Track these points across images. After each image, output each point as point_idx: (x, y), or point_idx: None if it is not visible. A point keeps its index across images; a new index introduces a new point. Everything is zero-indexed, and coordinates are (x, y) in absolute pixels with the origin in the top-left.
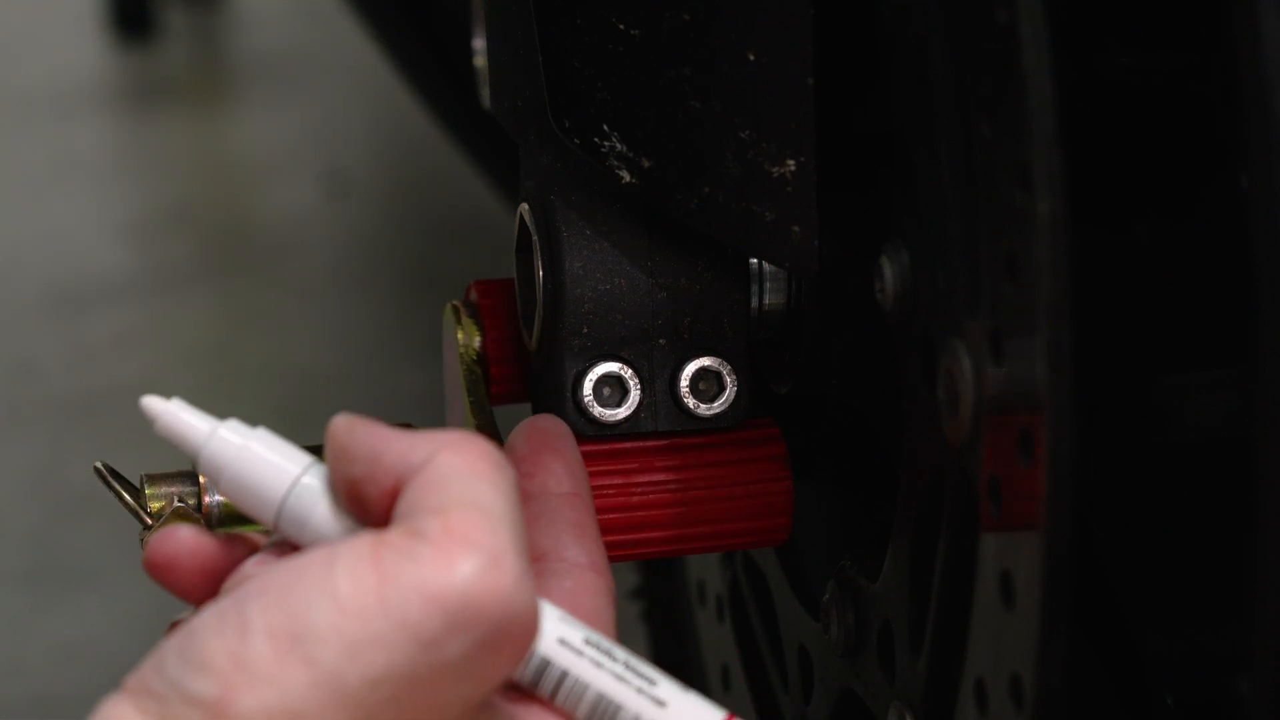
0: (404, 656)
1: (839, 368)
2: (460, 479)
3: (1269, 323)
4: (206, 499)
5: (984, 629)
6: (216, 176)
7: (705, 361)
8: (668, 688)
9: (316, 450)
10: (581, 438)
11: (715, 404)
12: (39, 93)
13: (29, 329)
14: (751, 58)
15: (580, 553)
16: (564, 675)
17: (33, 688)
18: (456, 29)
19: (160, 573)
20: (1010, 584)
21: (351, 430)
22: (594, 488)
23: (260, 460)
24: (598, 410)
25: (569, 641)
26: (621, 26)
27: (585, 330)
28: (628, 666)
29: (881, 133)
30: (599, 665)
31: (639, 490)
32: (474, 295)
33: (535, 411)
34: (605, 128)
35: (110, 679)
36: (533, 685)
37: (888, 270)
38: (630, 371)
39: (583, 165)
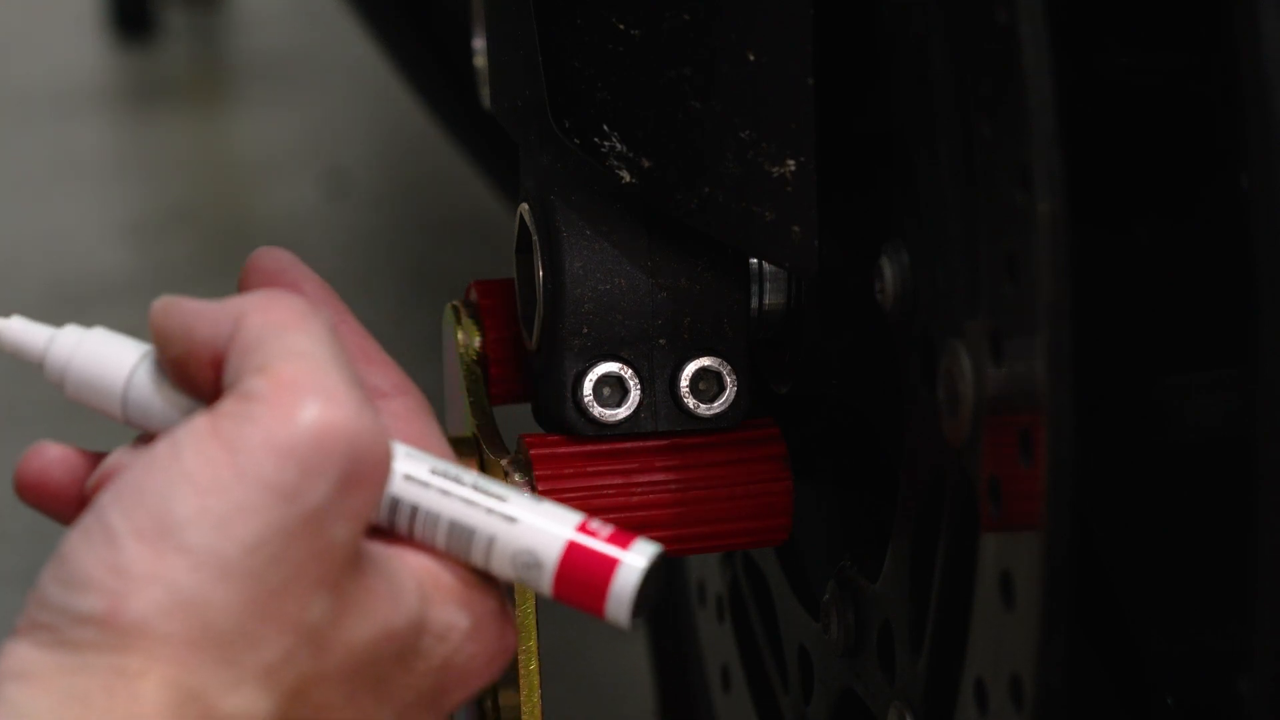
0: (272, 515)
1: (839, 368)
2: (272, 335)
3: (1269, 323)
4: None
5: (984, 629)
6: (216, 176)
7: (705, 361)
8: (519, 503)
9: None
10: (581, 437)
11: (715, 404)
12: (39, 93)
13: None
14: (751, 58)
15: (380, 380)
16: (415, 510)
17: None
18: (456, 29)
19: (32, 493)
20: (1010, 584)
21: (166, 311)
22: (594, 488)
23: (97, 356)
24: (598, 410)
25: (414, 475)
26: (621, 26)
27: (585, 330)
28: (476, 488)
29: (881, 133)
30: (447, 493)
31: (639, 490)
32: (474, 295)
33: (535, 412)
34: (605, 128)
35: None
36: (391, 525)
37: (888, 270)
38: (630, 371)
39: (583, 165)
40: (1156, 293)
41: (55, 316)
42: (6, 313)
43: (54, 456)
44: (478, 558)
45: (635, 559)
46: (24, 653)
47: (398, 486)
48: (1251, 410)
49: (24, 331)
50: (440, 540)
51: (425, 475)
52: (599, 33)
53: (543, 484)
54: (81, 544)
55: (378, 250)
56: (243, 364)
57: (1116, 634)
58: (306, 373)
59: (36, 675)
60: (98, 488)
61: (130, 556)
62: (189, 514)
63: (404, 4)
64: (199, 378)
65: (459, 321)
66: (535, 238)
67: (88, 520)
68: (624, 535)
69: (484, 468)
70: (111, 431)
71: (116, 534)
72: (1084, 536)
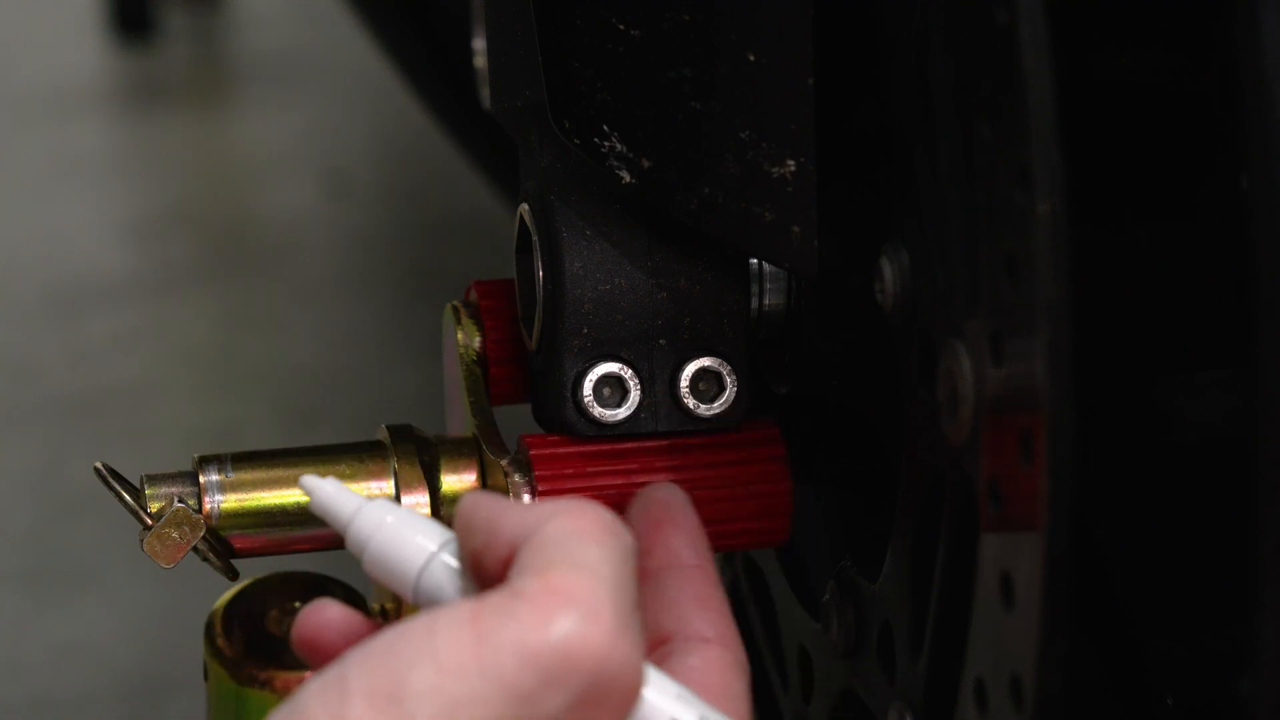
0: (501, 713)
1: (839, 368)
2: (567, 542)
3: (1269, 323)
4: (206, 501)
5: (984, 629)
6: (216, 176)
7: (705, 362)
8: None
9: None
10: (581, 438)
11: (715, 404)
12: (39, 93)
13: (29, 329)
14: (751, 58)
15: (705, 626)
16: None
17: (32, 688)
18: (456, 29)
19: (307, 649)
20: (1010, 584)
21: (475, 504)
22: (594, 488)
23: (399, 536)
24: (598, 410)
25: None
26: (621, 26)
27: (585, 330)
28: None
29: (881, 133)
30: None
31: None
32: (474, 295)
33: (535, 412)
34: (605, 128)
35: (109, 680)
36: None
37: (887, 270)
38: (630, 372)
39: (583, 165)
40: (1156, 293)
41: (55, 316)
42: (7, 314)
43: (333, 616)
44: None
45: None
46: None
47: None
48: (1251, 410)
49: (335, 497)
50: None
51: None
52: (599, 33)
53: (543, 484)
54: (316, 691)
55: (378, 250)
56: (528, 562)
57: (1116, 634)
58: (578, 585)
59: None
60: None
61: (354, 713)
62: (421, 688)
63: (404, 4)
64: (490, 572)
65: (459, 321)
66: (535, 238)
67: (329, 670)
68: None
69: (484, 468)
70: (116, 444)
71: (349, 689)
72: (1084, 536)
